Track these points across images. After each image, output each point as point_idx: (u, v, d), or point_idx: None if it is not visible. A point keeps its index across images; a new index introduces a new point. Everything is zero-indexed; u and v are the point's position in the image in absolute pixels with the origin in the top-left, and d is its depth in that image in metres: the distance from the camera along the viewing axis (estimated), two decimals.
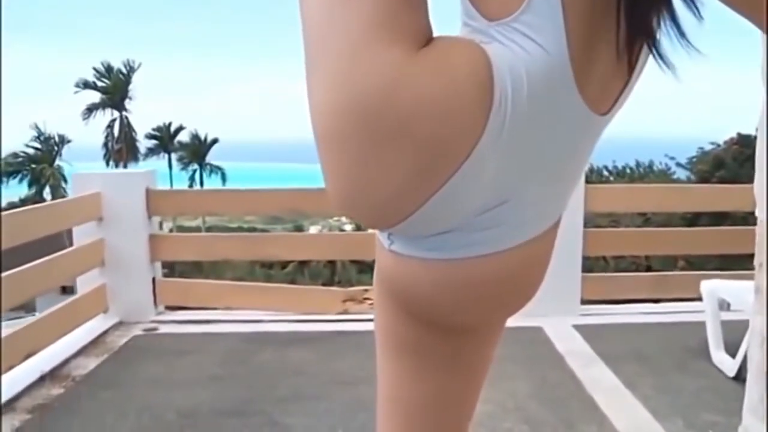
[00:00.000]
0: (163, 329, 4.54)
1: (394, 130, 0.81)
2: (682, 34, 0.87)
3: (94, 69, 45.54)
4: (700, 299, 3.83)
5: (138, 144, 46.74)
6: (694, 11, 0.86)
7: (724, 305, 3.75)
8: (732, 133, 20.54)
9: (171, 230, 30.95)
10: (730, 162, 19.65)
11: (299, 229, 28.00)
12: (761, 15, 0.84)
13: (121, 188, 4.63)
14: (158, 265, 4.88)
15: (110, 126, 45.48)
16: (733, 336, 3.55)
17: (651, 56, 0.90)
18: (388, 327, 1.10)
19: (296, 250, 5.33)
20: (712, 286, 3.74)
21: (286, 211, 5.53)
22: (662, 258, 12.12)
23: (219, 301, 4.92)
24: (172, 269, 15.43)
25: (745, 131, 20.43)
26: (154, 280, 4.76)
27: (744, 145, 19.99)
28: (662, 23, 0.87)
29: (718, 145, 20.50)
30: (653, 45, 0.87)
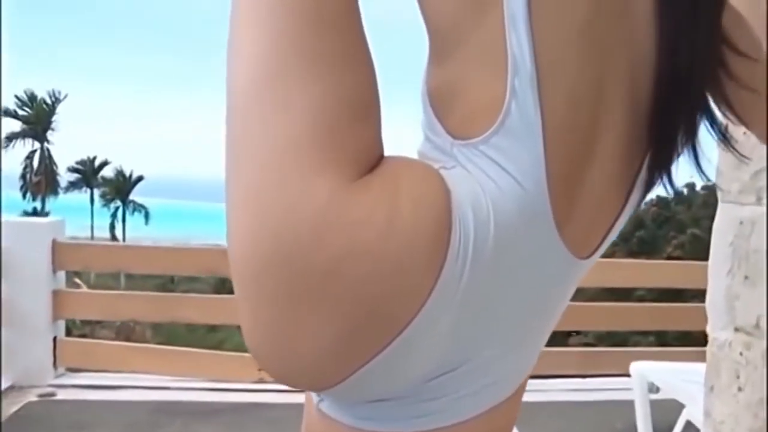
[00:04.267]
0: (62, 395, 4.16)
1: (317, 286, 0.63)
2: (726, 139, 0.79)
3: (16, 97, 44.05)
4: (627, 375, 3.75)
5: (59, 177, 45.20)
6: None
7: (653, 388, 3.67)
8: (651, 195, 21.36)
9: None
10: (649, 223, 20.48)
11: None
12: None
13: (24, 239, 4.29)
14: (61, 323, 4.51)
15: (29, 157, 43.90)
16: (662, 419, 3.47)
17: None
18: None
19: (214, 314, 5.02)
20: (642, 369, 3.66)
21: (203, 272, 5.24)
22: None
23: (125, 364, 4.58)
24: None
25: (663, 194, 21.32)
26: (55, 339, 4.38)
27: (662, 207, 20.91)
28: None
29: None
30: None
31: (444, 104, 0.73)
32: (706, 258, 1.59)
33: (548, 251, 0.72)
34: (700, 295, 2.15)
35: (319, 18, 0.67)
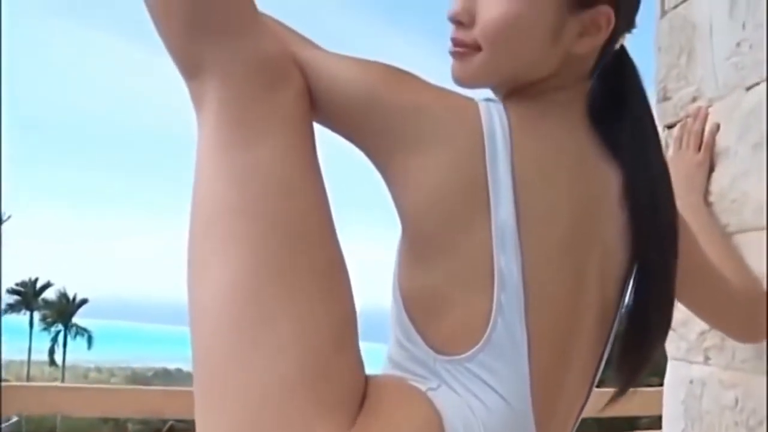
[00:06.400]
0: None
1: None
2: None
3: None
4: None
5: None
6: None
7: None
8: None
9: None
10: None
11: None
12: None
13: None
14: None
15: None
16: None
17: None
18: None
19: None
20: None
21: (149, 413, 4.98)
22: None
23: None
24: None
25: None
26: None
27: None
28: None
29: None
30: None
31: (424, 314, 0.72)
32: (655, 375, 1.58)
33: None
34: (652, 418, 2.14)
35: (296, 242, 0.66)
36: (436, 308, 0.71)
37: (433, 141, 0.70)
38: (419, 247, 0.73)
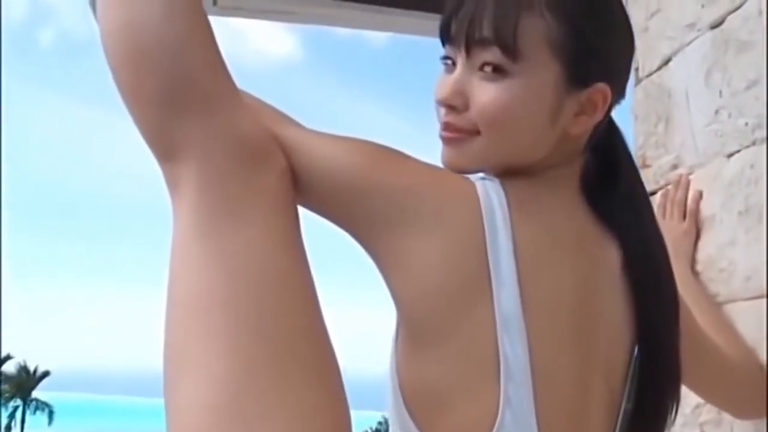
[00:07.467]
0: None
1: None
2: None
3: None
4: None
5: None
6: None
7: None
8: None
9: None
10: None
11: None
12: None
13: None
14: None
15: None
16: None
17: None
18: None
19: None
20: None
21: None
22: None
23: None
24: None
25: None
26: None
27: None
28: None
29: None
30: None
31: (425, 409, 0.67)
32: None
33: None
34: None
35: (282, 336, 0.60)
36: (438, 403, 0.66)
37: (429, 224, 0.66)
38: (417, 336, 0.69)
